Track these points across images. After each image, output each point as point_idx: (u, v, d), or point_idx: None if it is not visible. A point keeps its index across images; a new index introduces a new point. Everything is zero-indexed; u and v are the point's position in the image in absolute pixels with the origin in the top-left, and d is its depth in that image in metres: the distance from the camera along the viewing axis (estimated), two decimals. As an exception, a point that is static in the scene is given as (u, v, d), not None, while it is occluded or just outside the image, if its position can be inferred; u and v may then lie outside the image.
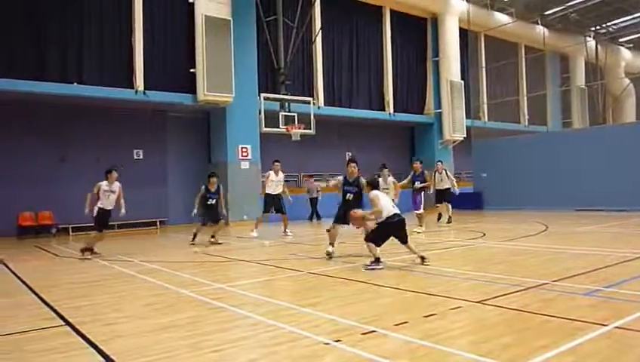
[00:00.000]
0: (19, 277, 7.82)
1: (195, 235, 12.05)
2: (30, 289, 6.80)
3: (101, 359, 3.82)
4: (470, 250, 9.65)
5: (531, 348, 3.66)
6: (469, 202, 22.53)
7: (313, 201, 19.43)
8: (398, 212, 7.60)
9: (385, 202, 7.64)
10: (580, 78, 33.13)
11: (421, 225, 12.87)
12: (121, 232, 16.53)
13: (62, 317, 5.10)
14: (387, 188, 11.30)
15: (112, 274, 8.06)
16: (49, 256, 10.88)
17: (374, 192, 7.76)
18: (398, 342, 3.92)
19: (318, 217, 19.12)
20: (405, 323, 4.41)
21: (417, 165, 13.68)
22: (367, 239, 7.66)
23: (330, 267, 7.83)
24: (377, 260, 7.38)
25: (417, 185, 13.32)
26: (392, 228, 7.51)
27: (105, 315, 5.20)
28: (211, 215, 11.96)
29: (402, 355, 3.65)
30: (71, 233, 15.88)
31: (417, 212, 13.18)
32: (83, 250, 10.08)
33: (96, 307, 5.61)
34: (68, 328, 4.71)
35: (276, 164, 13.47)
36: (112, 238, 14.73)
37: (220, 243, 11.66)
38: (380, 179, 10.48)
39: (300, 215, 18.28)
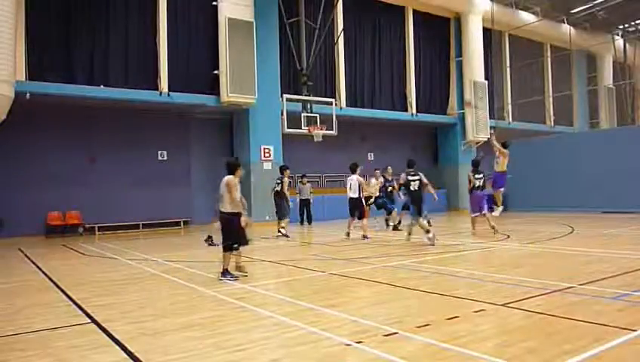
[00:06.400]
0: (47, 276, 8.01)
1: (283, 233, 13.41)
2: (58, 287, 6.96)
3: (126, 356, 3.89)
4: (494, 252, 9.54)
5: (557, 352, 3.60)
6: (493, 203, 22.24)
7: (304, 203, 17.92)
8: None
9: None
10: (607, 78, 32.45)
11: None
12: (146, 232, 16.80)
13: (88, 315, 5.22)
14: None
15: (137, 273, 8.20)
16: (76, 255, 11.11)
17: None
18: (420, 345, 3.90)
19: (310, 221, 17.82)
20: (427, 325, 4.38)
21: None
22: None
23: (353, 268, 7.82)
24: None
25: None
26: None
27: (130, 313, 5.29)
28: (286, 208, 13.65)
29: (424, 358, 3.62)
30: (97, 232, 16.16)
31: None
32: None
33: (121, 305, 5.71)
34: (94, 326, 4.81)
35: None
36: (137, 238, 14.99)
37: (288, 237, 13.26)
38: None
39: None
